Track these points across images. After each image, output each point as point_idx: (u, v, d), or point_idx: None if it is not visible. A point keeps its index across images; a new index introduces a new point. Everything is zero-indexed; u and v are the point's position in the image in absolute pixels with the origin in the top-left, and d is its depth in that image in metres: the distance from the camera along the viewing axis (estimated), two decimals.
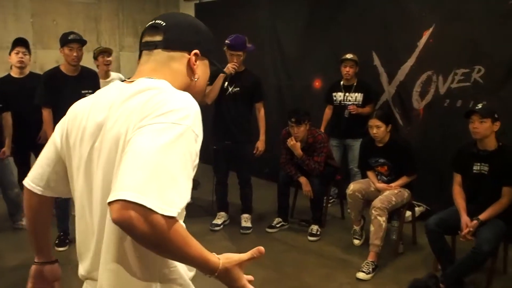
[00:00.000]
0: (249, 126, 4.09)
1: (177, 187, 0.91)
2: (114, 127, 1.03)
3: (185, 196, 0.94)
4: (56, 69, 3.63)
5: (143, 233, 0.87)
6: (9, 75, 3.99)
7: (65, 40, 3.52)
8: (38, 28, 5.15)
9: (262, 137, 4.12)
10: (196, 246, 0.98)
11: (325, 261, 3.58)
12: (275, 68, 5.51)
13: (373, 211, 3.44)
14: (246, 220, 4.14)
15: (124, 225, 0.88)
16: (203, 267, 1.02)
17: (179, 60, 1.14)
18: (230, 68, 3.82)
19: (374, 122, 3.63)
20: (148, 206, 0.86)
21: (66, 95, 3.30)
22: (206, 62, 1.20)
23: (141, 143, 0.92)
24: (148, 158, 0.89)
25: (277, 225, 4.15)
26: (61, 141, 1.19)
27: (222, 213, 4.22)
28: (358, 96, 4.49)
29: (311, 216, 4.09)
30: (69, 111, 1.21)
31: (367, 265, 3.31)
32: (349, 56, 4.42)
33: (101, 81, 4.48)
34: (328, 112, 4.71)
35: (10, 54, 3.96)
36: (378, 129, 3.61)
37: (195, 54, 1.14)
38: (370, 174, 3.83)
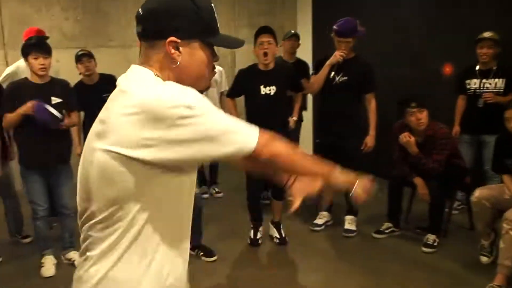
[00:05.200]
0: (358, 120, 3.68)
1: None
2: None
3: None
4: None
5: None
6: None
7: None
8: None
9: (372, 132, 3.66)
10: None
11: (438, 277, 3.01)
12: (396, 55, 4.91)
13: (504, 225, 2.77)
14: (350, 222, 3.73)
15: None
16: None
17: (158, 49, 1.08)
18: (337, 56, 3.49)
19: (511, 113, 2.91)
20: None
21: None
22: (197, 44, 1.09)
23: None
24: None
25: (386, 231, 3.65)
26: None
27: (325, 213, 3.88)
28: (499, 83, 3.72)
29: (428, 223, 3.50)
30: None
31: None
32: (486, 34, 3.68)
33: None
34: (461, 103, 3.99)
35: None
36: None
37: (171, 41, 1.06)
38: (506, 178, 3.10)
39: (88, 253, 1.07)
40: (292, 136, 3.85)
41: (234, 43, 1.20)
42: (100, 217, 1.04)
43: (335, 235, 3.71)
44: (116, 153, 0.98)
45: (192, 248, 3.36)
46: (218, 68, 4.77)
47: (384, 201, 3.74)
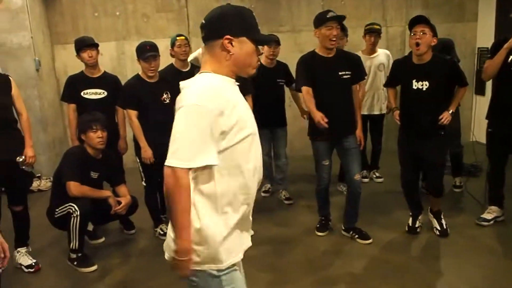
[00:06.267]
0: None
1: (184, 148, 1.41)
2: None
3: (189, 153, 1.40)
4: (312, 53, 3.36)
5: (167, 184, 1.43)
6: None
7: (323, 19, 3.11)
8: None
9: None
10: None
11: None
12: None
13: None
14: None
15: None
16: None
17: (217, 46, 1.50)
18: None
19: None
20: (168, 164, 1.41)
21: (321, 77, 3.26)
22: (244, 39, 1.50)
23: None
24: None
25: None
26: None
27: (494, 208, 3.59)
28: None
29: None
30: None
31: None
32: None
33: (365, 57, 4.53)
34: None
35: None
36: None
37: (226, 38, 1.47)
38: None
39: None
40: (453, 128, 3.56)
41: (268, 39, 1.66)
42: None
43: (506, 233, 3.42)
44: None
45: (347, 230, 3.54)
46: (385, 52, 4.70)
47: None
